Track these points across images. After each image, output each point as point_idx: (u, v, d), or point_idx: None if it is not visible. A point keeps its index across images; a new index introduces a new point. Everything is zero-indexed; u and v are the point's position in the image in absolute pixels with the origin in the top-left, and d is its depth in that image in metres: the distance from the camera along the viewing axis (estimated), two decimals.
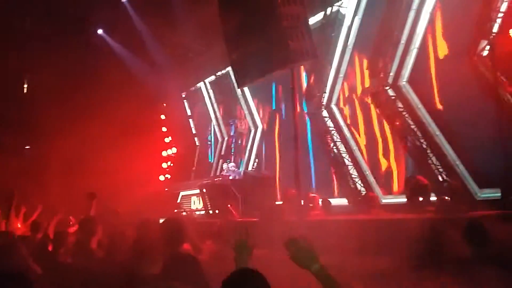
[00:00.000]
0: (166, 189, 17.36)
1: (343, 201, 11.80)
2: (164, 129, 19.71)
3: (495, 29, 8.54)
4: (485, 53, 8.84)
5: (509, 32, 8.28)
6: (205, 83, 18.55)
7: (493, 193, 8.36)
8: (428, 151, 9.98)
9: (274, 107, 15.26)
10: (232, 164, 14.44)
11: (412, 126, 10.34)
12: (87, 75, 16.42)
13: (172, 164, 19.41)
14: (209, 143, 18.73)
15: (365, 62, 11.76)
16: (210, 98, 18.44)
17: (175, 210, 14.57)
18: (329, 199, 11.03)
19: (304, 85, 13.35)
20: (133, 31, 16.58)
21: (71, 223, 7.74)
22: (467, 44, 9.40)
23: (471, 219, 4.20)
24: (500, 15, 8.54)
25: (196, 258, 3.87)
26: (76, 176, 15.28)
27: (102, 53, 16.87)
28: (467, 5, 9.46)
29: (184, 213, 14.12)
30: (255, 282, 2.21)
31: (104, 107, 16.70)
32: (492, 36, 8.51)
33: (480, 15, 8.83)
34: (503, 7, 8.54)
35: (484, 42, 8.83)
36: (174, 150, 19.48)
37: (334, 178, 12.55)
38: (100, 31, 17.60)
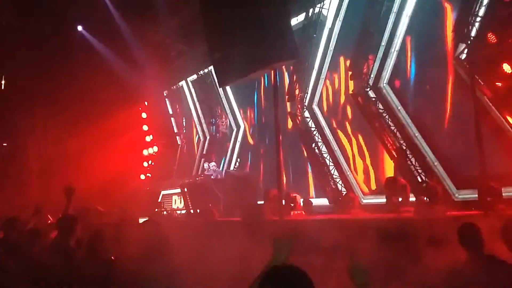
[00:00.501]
0: (147, 188, 17.23)
1: (324, 201, 11.88)
2: (145, 127, 19.56)
3: (473, 33, 8.69)
4: (463, 56, 9.00)
5: (487, 36, 8.43)
6: (187, 82, 18.47)
7: (471, 194, 8.51)
8: (408, 152, 10.12)
9: (256, 107, 15.28)
10: (213, 163, 14.40)
11: (392, 128, 10.47)
12: (67, 73, 16.18)
13: (153, 163, 19.27)
14: (190, 141, 18.65)
15: (346, 63, 11.86)
16: (192, 96, 18.37)
17: (156, 210, 14.46)
18: (310, 199, 11.09)
19: (286, 85, 13.39)
20: (114, 29, 16.40)
21: (49, 221, 7.62)
22: (446, 47, 9.57)
23: (465, 223, 4.09)
24: (478, 19, 8.70)
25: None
26: (55, 174, 15.07)
27: (82, 50, 16.63)
28: (446, 9, 9.62)
29: (164, 213, 14.03)
30: (300, 280, 2.09)
31: (84, 105, 16.51)
32: (470, 40, 8.67)
33: (458, 19, 8.98)
34: (481, 11, 8.70)
35: (462, 46, 8.99)
36: (155, 148, 19.34)
37: (316, 178, 12.62)
38: (80, 28, 17.36)
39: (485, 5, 8.70)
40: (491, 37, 8.38)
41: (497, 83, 8.47)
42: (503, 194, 7.35)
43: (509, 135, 8.33)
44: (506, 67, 8.21)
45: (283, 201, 9.91)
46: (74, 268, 4.15)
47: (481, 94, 8.57)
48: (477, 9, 8.71)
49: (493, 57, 8.35)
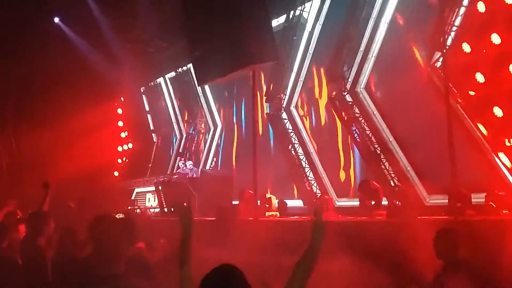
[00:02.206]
0: (121, 185, 17.01)
1: (299, 203, 11.96)
2: (120, 123, 19.28)
3: (449, 42, 8.88)
4: (439, 64, 9.19)
5: (462, 45, 8.64)
6: (165, 79, 18.30)
7: (441, 199, 8.69)
8: (382, 157, 10.28)
9: (234, 107, 15.27)
10: (189, 162, 14.33)
11: (367, 132, 10.61)
12: (42, 65, 15.84)
13: (127, 160, 19.03)
14: (166, 139, 18.49)
15: (325, 67, 11.95)
16: (169, 94, 18.21)
17: (129, 207, 14.29)
18: (285, 200, 11.16)
19: (265, 86, 13.42)
20: (92, 22, 16.09)
21: (18, 216, 7.44)
22: (422, 55, 9.76)
23: (444, 227, 4.03)
24: (454, 29, 8.90)
25: (146, 258, 3.83)
26: (26, 169, 14.74)
27: (58, 43, 16.28)
28: (423, 17, 9.80)
29: (138, 211, 13.88)
30: (236, 280, 2.19)
31: (58, 99, 16.18)
32: (445, 49, 8.85)
33: (435, 28, 9.16)
34: (457, 21, 8.90)
35: (438, 54, 9.18)
36: (130, 145, 19.10)
37: (291, 180, 12.69)
38: (56, 20, 17.00)
39: (461, 15, 8.91)
40: (466, 47, 8.59)
41: (470, 92, 8.68)
42: (473, 200, 7.55)
43: (480, 142, 8.57)
44: (479, 76, 8.43)
45: (258, 201, 9.93)
46: (44, 268, 4.06)
47: (455, 102, 8.76)
48: (453, 18, 8.91)
49: (467, 66, 8.56)
